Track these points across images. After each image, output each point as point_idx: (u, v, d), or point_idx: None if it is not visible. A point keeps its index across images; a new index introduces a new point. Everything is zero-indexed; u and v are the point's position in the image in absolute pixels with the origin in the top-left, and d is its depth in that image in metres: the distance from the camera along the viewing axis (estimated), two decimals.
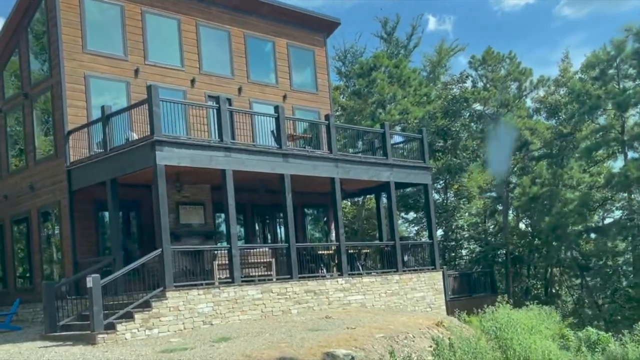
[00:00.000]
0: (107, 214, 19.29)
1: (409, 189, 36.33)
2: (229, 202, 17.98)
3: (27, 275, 22.37)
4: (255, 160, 18.68)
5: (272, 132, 19.97)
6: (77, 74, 20.24)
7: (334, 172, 20.77)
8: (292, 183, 19.52)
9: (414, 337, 15.35)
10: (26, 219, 21.94)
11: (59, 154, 20.23)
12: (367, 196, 39.98)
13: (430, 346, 15.07)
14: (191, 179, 20.12)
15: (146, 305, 16.12)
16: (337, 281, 20.35)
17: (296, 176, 19.69)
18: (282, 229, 25.68)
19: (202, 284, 17.41)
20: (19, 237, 22.77)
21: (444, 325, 16.77)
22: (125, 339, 15.51)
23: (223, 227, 23.08)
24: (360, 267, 21.93)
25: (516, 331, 17.17)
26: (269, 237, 24.82)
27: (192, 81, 22.43)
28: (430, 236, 23.75)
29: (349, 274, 20.80)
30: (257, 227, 24.57)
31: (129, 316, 15.78)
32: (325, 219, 27.45)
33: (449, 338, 15.41)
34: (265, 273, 19.37)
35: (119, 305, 16.14)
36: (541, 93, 44.72)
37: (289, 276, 19.25)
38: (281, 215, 24.97)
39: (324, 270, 21.19)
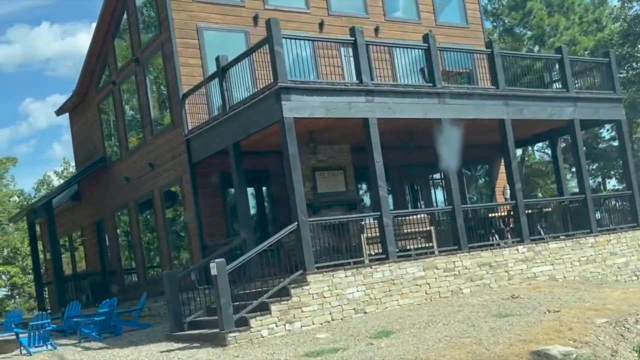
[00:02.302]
0: (233, 188, 16.29)
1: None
2: (375, 159, 14.41)
3: (156, 264, 20.00)
4: (404, 104, 14.96)
5: (421, 69, 16.14)
6: (188, 27, 17.37)
7: (503, 112, 16.61)
8: (447, 131, 15.61)
9: None
10: (149, 202, 19.50)
11: (176, 123, 17.51)
12: (530, 148, 35.14)
13: None
14: (327, 138, 16.74)
15: (284, 293, 12.95)
16: (517, 249, 16.28)
17: (454, 123, 15.75)
18: (436, 193, 21.85)
19: (349, 263, 14.01)
20: (145, 222, 20.45)
21: None
22: (261, 336, 12.40)
23: (367, 197, 19.69)
24: (542, 231, 17.67)
25: None
26: (421, 204, 21.04)
27: (320, 25, 19.00)
28: (630, 186, 18.96)
29: (530, 240, 16.66)
30: (407, 193, 20.86)
31: (264, 308, 12.67)
32: (486, 177, 23.30)
33: None
34: (425, 245, 15.64)
35: (251, 294, 13.07)
36: None
37: (455, 247, 15.44)
38: (435, 177, 21.16)
39: (497, 238, 17.18)
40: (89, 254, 24.77)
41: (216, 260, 12.37)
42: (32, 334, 14.87)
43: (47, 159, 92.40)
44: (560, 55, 18.19)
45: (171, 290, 14.10)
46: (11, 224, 40.76)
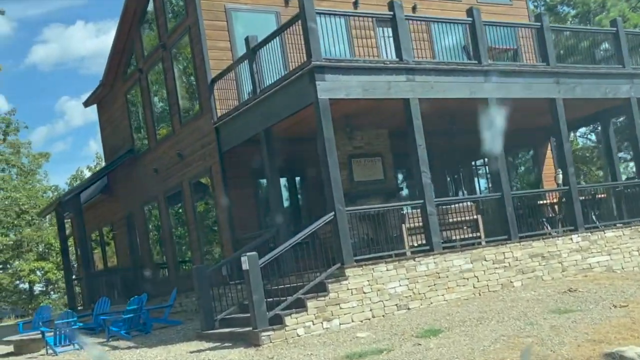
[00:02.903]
0: (265, 178, 15.35)
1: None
2: (417, 143, 13.36)
3: (188, 259, 19.20)
4: (448, 84, 13.86)
5: (464, 47, 15.05)
6: (216, 8, 16.48)
7: (554, 90, 15.40)
8: (493, 113, 14.46)
9: None
10: (179, 194, 18.68)
11: (204, 110, 16.64)
12: (572, 134, 33.60)
13: None
14: (364, 122, 15.73)
15: (321, 288, 11.99)
16: (572, 239, 15.09)
17: (501, 104, 14.60)
18: (479, 181, 20.72)
19: (390, 256, 13.00)
20: (175, 215, 19.66)
21: None
22: (297, 335, 11.46)
23: (406, 186, 18.67)
24: (595, 219, 16.43)
25: None
26: (463, 192, 19.90)
27: (355, 3, 17.96)
28: None
29: (585, 229, 15.46)
30: (448, 181, 19.75)
31: (300, 304, 11.73)
32: (529, 164, 22.09)
33: None
34: (470, 235, 14.54)
35: (286, 290, 12.14)
36: None
37: (505, 237, 14.31)
38: (477, 163, 20.03)
39: (548, 227, 16.01)
40: (119, 248, 24.14)
41: (247, 253, 11.47)
42: (57, 332, 14.18)
43: (84, 155, 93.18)
44: (615, 29, 16.88)
45: (201, 286, 13.25)
46: (46, 220, 40.52)
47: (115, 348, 13.74)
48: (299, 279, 12.42)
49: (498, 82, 14.49)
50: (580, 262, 15.06)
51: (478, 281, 13.63)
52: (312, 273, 12.32)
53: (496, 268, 13.91)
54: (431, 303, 12.93)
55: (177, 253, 19.65)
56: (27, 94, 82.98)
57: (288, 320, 11.44)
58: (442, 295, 13.12)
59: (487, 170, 20.45)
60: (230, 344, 11.78)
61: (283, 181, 16.39)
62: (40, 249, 43.22)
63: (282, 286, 12.44)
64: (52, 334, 14.26)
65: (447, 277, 13.27)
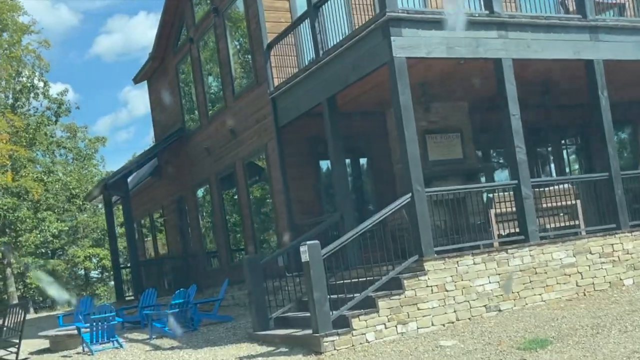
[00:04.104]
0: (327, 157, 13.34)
1: None
2: (511, 112, 11.19)
3: (242, 247, 17.41)
4: (548, 42, 11.59)
5: (561, 1, 12.75)
6: None
7: None
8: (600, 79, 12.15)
9: None
10: (232, 175, 16.87)
11: (260, 79, 14.76)
12: None
13: None
14: (441, 92, 13.60)
15: (395, 285, 9.98)
16: None
17: (609, 68, 12.28)
18: (569, 161, 18.27)
19: (478, 247, 10.88)
20: (229, 199, 17.88)
21: None
22: (366, 341, 9.49)
23: (488, 167, 16.46)
24: None
25: None
26: (552, 172, 17.51)
27: None
28: None
29: None
30: (537, 159, 17.38)
31: (369, 304, 9.74)
32: (629, 142, 19.51)
33: None
34: (567, 224, 12.25)
35: (352, 286, 10.16)
36: None
37: (613, 226, 12.00)
38: (568, 140, 17.64)
39: None
40: (170, 235, 22.59)
41: (308, 242, 9.51)
42: (94, 329, 12.55)
43: (145, 144, 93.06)
44: None
45: (253, 280, 11.37)
46: (100, 206, 39.54)
47: (157, 348, 12.05)
48: (367, 272, 10.41)
49: (606, 40, 12.14)
50: None
51: (582, 278, 11.41)
52: (382, 266, 10.32)
53: (603, 263, 11.65)
54: (526, 304, 10.78)
55: (230, 240, 17.88)
56: (91, 84, 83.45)
57: (356, 322, 9.47)
58: (540, 294, 10.95)
59: (579, 149, 18.05)
60: (286, 349, 9.90)
61: (351, 158, 14.45)
62: (95, 235, 42.36)
63: (348, 281, 10.50)
64: (87, 330, 12.63)
65: (546, 273, 11.09)
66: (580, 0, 12.03)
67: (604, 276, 11.60)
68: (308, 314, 9.86)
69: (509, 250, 10.88)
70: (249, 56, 15.30)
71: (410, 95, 10.53)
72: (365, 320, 9.56)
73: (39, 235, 36.38)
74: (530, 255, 11.01)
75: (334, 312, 9.58)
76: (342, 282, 10.59)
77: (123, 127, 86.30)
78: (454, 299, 10.25)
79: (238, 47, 16.20)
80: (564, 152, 17.75)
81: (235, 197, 17.10)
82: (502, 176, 16.87)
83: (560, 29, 11.74)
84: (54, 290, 38.77)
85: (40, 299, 42.25)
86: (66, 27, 76.07)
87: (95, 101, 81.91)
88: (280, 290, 12.14)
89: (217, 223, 18.11)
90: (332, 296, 9.81)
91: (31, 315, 28.27)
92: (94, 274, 44.79)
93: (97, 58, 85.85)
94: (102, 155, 45.82)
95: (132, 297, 20.96)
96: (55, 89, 63.82)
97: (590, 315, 9.60)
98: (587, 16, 11.98)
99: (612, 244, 11.81)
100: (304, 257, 9.47)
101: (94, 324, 12.51)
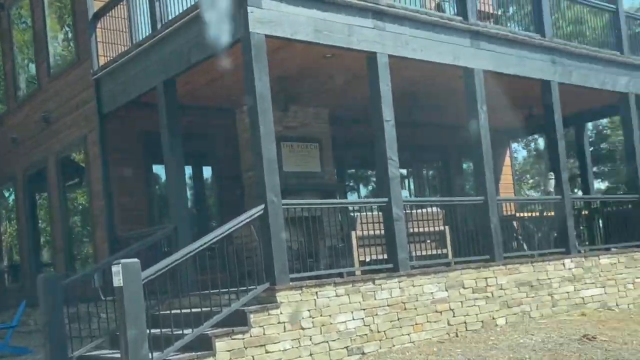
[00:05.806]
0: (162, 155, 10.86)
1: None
2: (384, 117, 9.38)
3: (50, 261, 14.39)
4: (427, 41, 9.97)
5: (438, 2, 11.35)
6: None
7: (550, 71, 11.84)
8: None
9: None
10: (43, 171, 13.88)
11: (82, 56, 12.05)
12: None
13: None
14: (304, 92, 11.72)
15: (238, 320, 7.77)
16: (563, 264, 11.54)
17: (486, 79, 10.89)
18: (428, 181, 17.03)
19: (340, 275, 8.94)
20: (37, 201, 14.82)
21: None
22: None
23: (349, 184, 14.84)
24: (576, 241, 12.95)
25: None
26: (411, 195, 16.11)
27: None
28: None
29: (578, 251, 11.98)
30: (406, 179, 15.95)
31: (205, 345, 7.45)
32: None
33: None
34: (436, 252, 10.62)
35: (185, 317, 7.80)
36: None
37: (487, 257, 10.54)
38: (441, 161, 16.44)
39: (524, 246, 12.46)
40: None
41: (123, 261, 7.01)
42: None
43: None
44: (614, 7, 13.56)
45: (50, 306, 8.68)
46: None
47: None
48: (205, 302, 8.09)
49: (487, 48, 10.76)
50: (572, 295, 11.57)
51: (454, 316, 9.79)
52: (224, 295, 8.08)
53: (476, 299, 10.13)
54: (393, 345, 8.96)
55: (38, 253, 14.77)
56: None
57: None
58: (408, 334, 9.19)
59: (439, 170, 16.83)
60: None
61: (191, 161, 12.13)
62: None
63: (179, 311, 8.12)
64: None
65: (416, 309, 9.35)
66: (462, 3, 10.54)
67: (477, 314, 10.06)
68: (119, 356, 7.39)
69: (376, 281, 9.03)
70: (71, 28, 12.54)
71: (269, 86, 8.46)
72: None
73: None
74: (400, 288, 9.23)
75: (154, 355, 7.19)
76: (170, 312, 8.22)
77: None
78: (311, 339, 8.20)
79: (58, 15, 13.34)
80: (424, 172, 16.44)
81: (46, 198, 14.11)
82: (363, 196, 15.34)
83: (440, 29, 10.17)
84: None
85: None
86: None
87: None
88: (94, 317, 9.58)
89: (21, 231, 14.95)
90: (155, 331, 7.44)
91: None
92: None
93: None
94: None
95: None
96: None
97: None
98: (469, 19, 10.50)
99: (486, 278, 10.34)
100: (117, 281, 7.00)
101: None
